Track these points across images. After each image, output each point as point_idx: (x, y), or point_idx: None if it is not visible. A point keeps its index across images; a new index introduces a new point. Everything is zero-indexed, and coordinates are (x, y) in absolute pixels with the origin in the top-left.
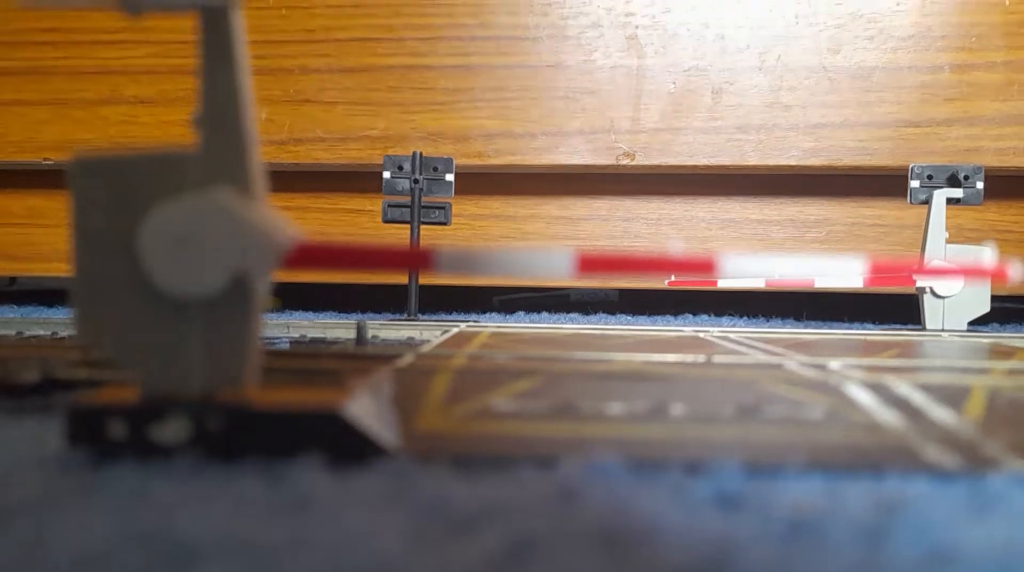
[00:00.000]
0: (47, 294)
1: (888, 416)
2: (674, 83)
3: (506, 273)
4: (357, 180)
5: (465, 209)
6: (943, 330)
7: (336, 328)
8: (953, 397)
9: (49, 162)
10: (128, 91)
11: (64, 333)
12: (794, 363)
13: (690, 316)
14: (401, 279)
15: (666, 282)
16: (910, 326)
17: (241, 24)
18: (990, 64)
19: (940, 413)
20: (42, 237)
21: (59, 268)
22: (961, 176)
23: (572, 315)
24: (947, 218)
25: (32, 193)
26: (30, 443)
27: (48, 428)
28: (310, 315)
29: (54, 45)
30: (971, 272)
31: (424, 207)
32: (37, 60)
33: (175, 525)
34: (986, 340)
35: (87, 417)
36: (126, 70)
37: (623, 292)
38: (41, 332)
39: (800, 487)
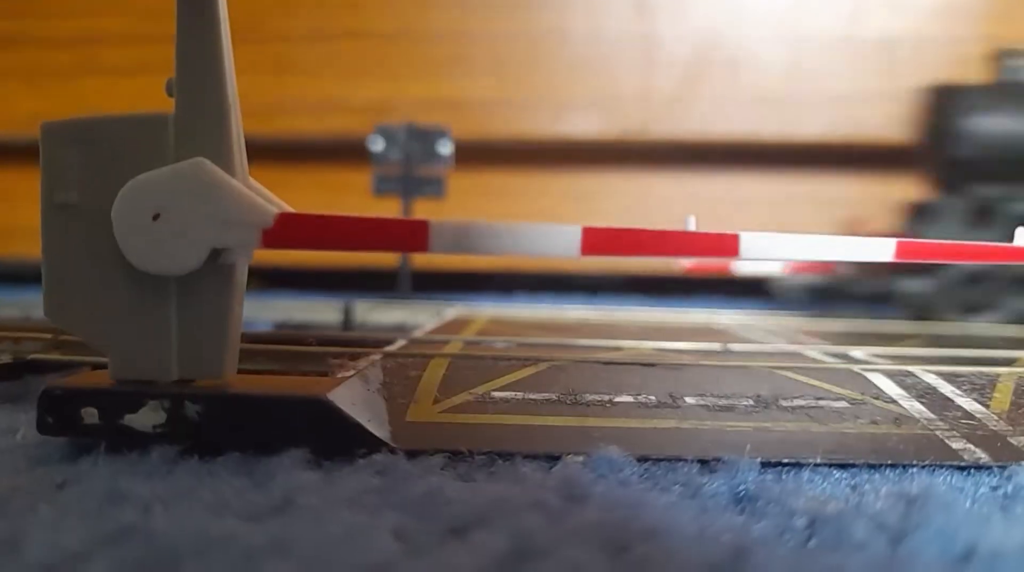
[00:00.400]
0: (22, 276)
1: (914, 406)
2: (686, 50)
3: (507, 251)
4: (343, 153)
5: (462, 185)
6: (967, 318)
7: (323, 310)
8: (981, 387)
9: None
10: (103, 61)
11: (37, 315)
12: (815, 351)
13: (704, 300)
14: (391, 261)
15: (685, 265)
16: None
17: None
18: (1020, 35)
19: (967, 403)
20: (15, 215)
21: (35, 248)
22: None
23: (576, 297)
24: None
25: (5, 169)
26: (1, 431)
27: (20, 415)
28: (294, 296)
29: (28, 15)
30: (1002, 254)
31: (417, 180)
32: (9, 30)
33: (150, 525)
34: (1012, 328)
35: (59, 403)
36: (101, 39)
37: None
38: (14, 313)
39: (822, 482)
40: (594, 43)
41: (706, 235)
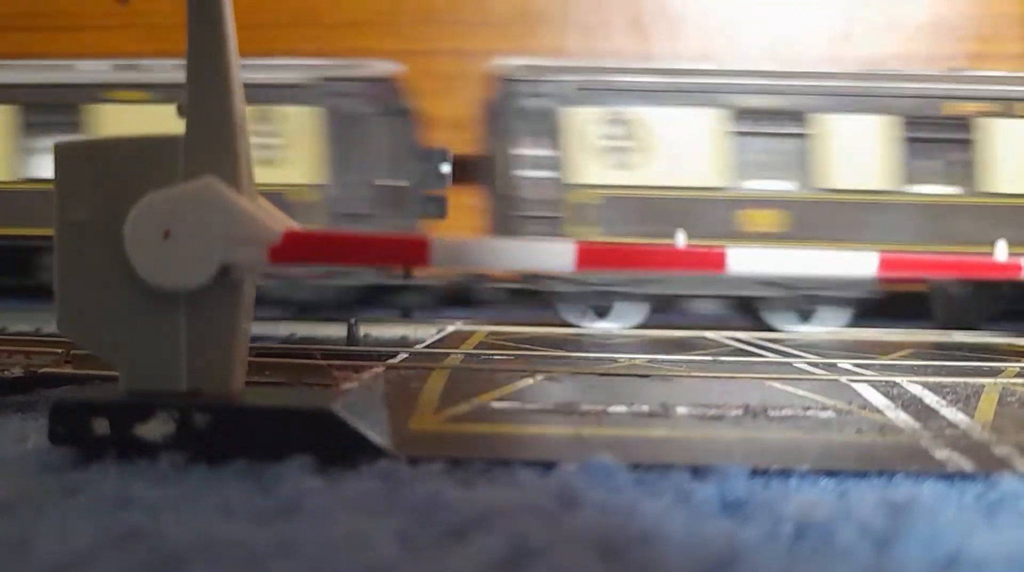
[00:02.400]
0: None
1: (899, 416)
2: None
3: (504, 266)
4: None
5: (461, 202)
6: (954, 329)
7: (327, 325)
8: (965, 397)
9: None
10: None
11: (48, 329)
12: (804, 363)
13: (696, 315)
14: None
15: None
16: (922, 325)
17: (230, 7)
18: (1006, 56)
19: (952, 413)
20: None
21: None
22: None
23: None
24: None
25: None
26: (12, 440)
27: (30, 423)
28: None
29: (40, 30)
30: (984, 267)
31: (420, 200)
32: (22, 46)
33: (159, 527)
34: (999, 339)
35: (70, 414)
36: (110, 55)
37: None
38: (25, 328)
39: (809, 490)
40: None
41: (694, 251)
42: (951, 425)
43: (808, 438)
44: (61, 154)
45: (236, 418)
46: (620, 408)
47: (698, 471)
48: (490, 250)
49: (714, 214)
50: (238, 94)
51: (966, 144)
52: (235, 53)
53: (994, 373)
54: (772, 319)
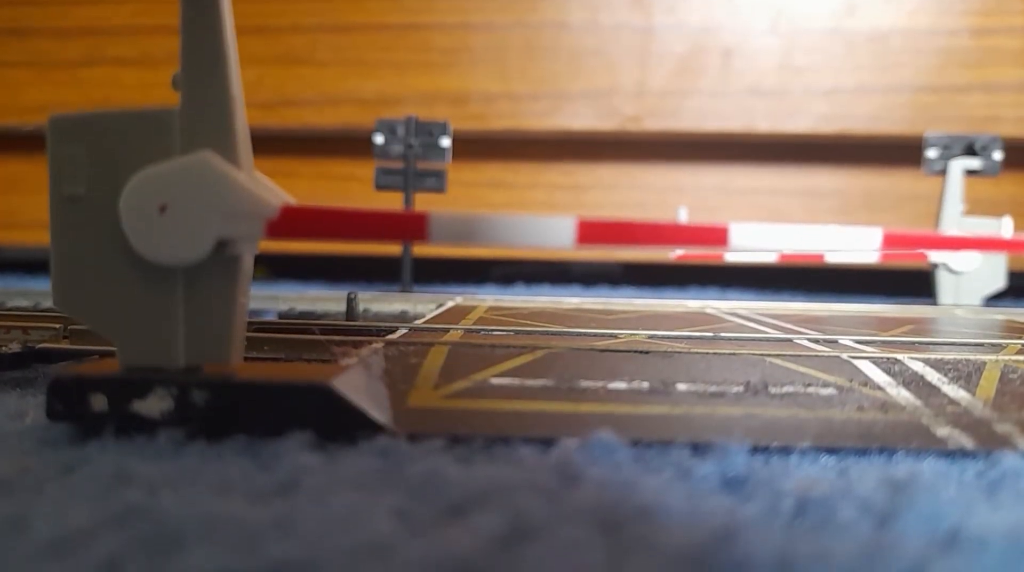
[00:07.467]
0: (29, 264)
1: (900, 393)
2: (682, 44)
3: (504, 242)
4: (348, 145)
5: (462, 176)
6: (957, 306)
7: (326, 301)
8: (966, 374)
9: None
10: (110, 51)
11: (46, 304)
12: (805, 339)
13: (697, 289)
14: (394, 250)
15: (673, 256)
16: (923, 301)
17: None
18: (1009, 29)
19: (953, 391)
20: (22, 204)
21: (41, 236)
22: (978, 146)
23: (573, 288)
24: (962, 189)
25: (12, 158)
26: (10, 417)
27: (28, 400)
28: (298, 286)
29: (35, 4)
30: (989, 244)
31: (418, 174)
32: (18, 20)
33: (158, 504)
34: (1000, 316)
35: (68, 390)
36: (109, 30)
37: (627, 265)
38: (23, 303)
39: (810, 467)
40: (592, 36)
41: (697, 226)
42: (952, 402)
43: (809, 415)
44: (54, 127)
45: (234, 394)
46: (620, 384)
47: (698, 448)
48: (490, 225)
49: None
50: (234, 67)
51: None
52: (231, 25)
53: (996, 350)
54: None
